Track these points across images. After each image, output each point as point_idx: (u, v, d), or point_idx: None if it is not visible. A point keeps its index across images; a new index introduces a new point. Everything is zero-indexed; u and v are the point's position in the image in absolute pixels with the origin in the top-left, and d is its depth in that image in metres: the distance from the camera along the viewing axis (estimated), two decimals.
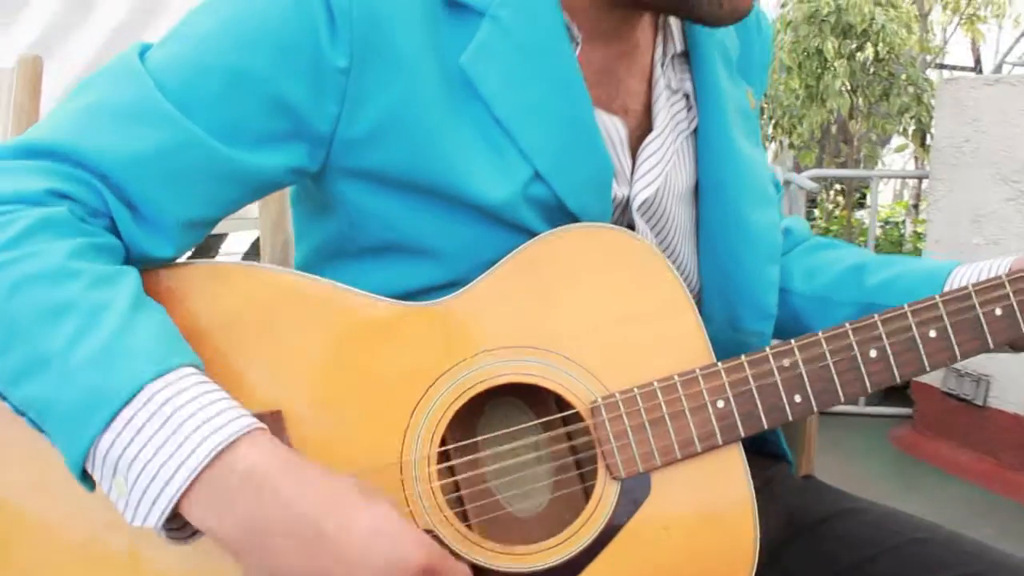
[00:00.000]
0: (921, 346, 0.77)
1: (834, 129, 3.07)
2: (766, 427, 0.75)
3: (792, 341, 0.76)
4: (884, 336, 0.76)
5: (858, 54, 2.89)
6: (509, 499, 0.78)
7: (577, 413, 0.74)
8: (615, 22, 0.82)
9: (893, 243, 3.37)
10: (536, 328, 0.75)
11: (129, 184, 0.69)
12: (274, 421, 0.71)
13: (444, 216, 0.76)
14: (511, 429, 0.76)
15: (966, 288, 0.78)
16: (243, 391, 0.69)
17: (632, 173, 0.84)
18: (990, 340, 0.79)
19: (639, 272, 0.76)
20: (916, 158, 3.48)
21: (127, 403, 0.59)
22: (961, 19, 3.45)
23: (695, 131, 0.88)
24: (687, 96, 0.88)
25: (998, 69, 5.57)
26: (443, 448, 0.73)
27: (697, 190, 0.89)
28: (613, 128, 0.81)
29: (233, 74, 0.70)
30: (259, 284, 0.75)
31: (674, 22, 0.88)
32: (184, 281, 0.73)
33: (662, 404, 0.73)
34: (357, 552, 0.58)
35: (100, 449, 0.60)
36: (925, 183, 2.82)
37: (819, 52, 2.77)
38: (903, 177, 3.89)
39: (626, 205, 0.83)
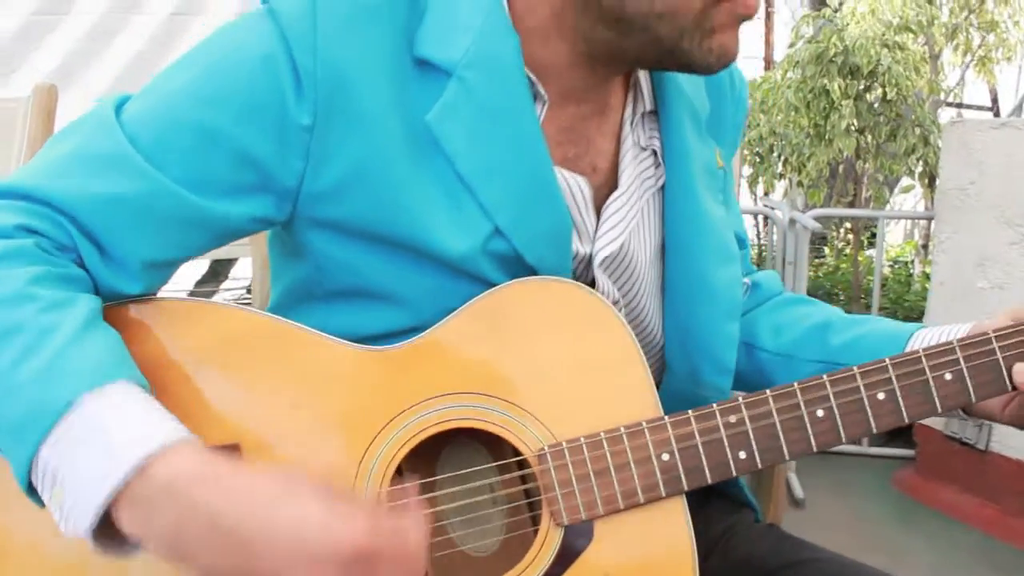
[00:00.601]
0: (868, 408, 0.78)
1: (841, 169, 3.08)
2: (710, 481, 0.76)
3: (740, 398, 0.77)
4: (832, 397, 0.78)
5: (866, 95, 2.90)
6: (462, 538, 0.80)
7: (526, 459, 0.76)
8: (586, 82, 0.84)
9: (901, 283, 3.36)
10: (489, 375, 0.77)
11: (96, 225, 0.72)
12: (231, 455, 0.74)
13: (407, 266, 0.79)
14: (465, 471, 0.79)
15: (917, 352, 0.80)
16: (203, 424, 0.73)
17: (596, 230, 0.86)
18: (938, 404, 0.79)
19: (592, 325, 0.78)
20: (925, 199, 3.48)
21: (64, 415, 0.62)
22: (973, 60, 3.46)
23: (663, 188, 0.90)
24: (655, 153, 0.90)
25: (1018, 108, 5.57)
26: (399, 487, 0.75)
27: (664, 247, 0.91)
28: (576, 186, 0.84)
29: (202, 130, 0.74)
30: (223, 322, 0.78)
31: (644, 81, 0.90)
32: (151, 316, 0.77)
33: (607, 455, 0.75)
34: (284, 548, 0.58)
35: (40, 461, 0.63)
36: (933, 224, 2.81)
37: (825, 92, 2.79)
38: (909, 218, 3.89)
39: (589, 261, 0.85)
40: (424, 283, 0.79)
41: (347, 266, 0.80)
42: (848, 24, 3.08)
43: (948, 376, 0.80)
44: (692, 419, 0.76)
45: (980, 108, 5.47)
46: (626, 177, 0.87)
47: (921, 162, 2.93)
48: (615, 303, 0.87)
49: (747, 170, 3.30)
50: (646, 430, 0.76)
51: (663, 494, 0.75)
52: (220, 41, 0.78)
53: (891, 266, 3.73)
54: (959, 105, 5.82)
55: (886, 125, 2.92)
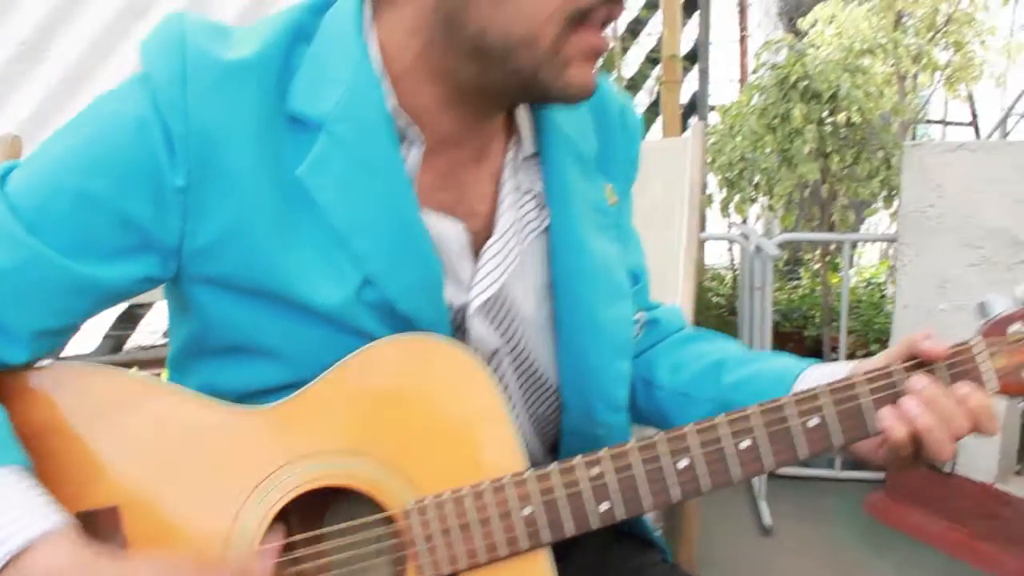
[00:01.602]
0: (732, 457, 0.79)
1: (807, 193, 3.10)
2: (573, 534, 0.77)
3: (604, 450, 0.79)
4: (696, 447, 0.79)
5: (829, 119, 2.93)
6: None
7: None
8: (461, 125, 0.86)
9: (873, 304, 3.37)
10: (359, 433, 0.80)
11: None
12: (110, 516, 0.77)
13: (287, 321, 0.81)
14: (339, 526, 0.80)
15: (780, 400, 0.80)
16: (84, 487, 0.77)
17: (473, 276, 0.87)
18: (804, 451, 0.80)
19: (459, 380, 0.80)
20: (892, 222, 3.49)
21: None
22: (941, 80, 3.48)
23: (548, 230, 0.92)
24: (538, 197, 0.92)
25: (1001, 124, 5.59)
26: (267, 546, 0.77)
27: (552, 287, 0.93)
28: (451, 233, 0.86)
29: (82, 197, 0.77)
30: (104, 385, 0.81)
31: (525, 125, 0.92)
32: (30, 382, 0.80)
33: (471, 509, 0.77)
34: None
35: None
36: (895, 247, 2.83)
37: (787, 118, 2.81)
38: (872, 240, 3.90)
39: (467, 307, 0.87)
40: (304, 338, 0.81)
41: (230, 323, 0.83)
42: (810, 49, 3.10)
43: (813, 422, 0.80)
44: (555, 472, 0.78)
45: (963, 124, 5.51)
46: (503, 222, 0.89)
47: (883, 185, 2.94)
48: (496, 350, 0.89)
49: (720, 195, 3.32)
50: (509, 485, 0.77)
51: (525, 547, 0.77)
52: (99, 108, 0.82)
53: (865, 287, 3.74)
54: (943, 123, 5.86)
55: (851, 149, 2.94)
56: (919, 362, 0.82)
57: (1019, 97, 5.00)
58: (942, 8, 3.35)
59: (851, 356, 3.16)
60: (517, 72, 0.79)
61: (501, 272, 0.87)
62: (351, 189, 0.80)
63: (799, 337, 3.49)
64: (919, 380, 0.80)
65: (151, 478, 0.78)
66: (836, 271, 3.31)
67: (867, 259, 4.26)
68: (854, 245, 3.73)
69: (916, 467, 0.84)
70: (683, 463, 0.78)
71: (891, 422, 0.80)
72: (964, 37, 3.36)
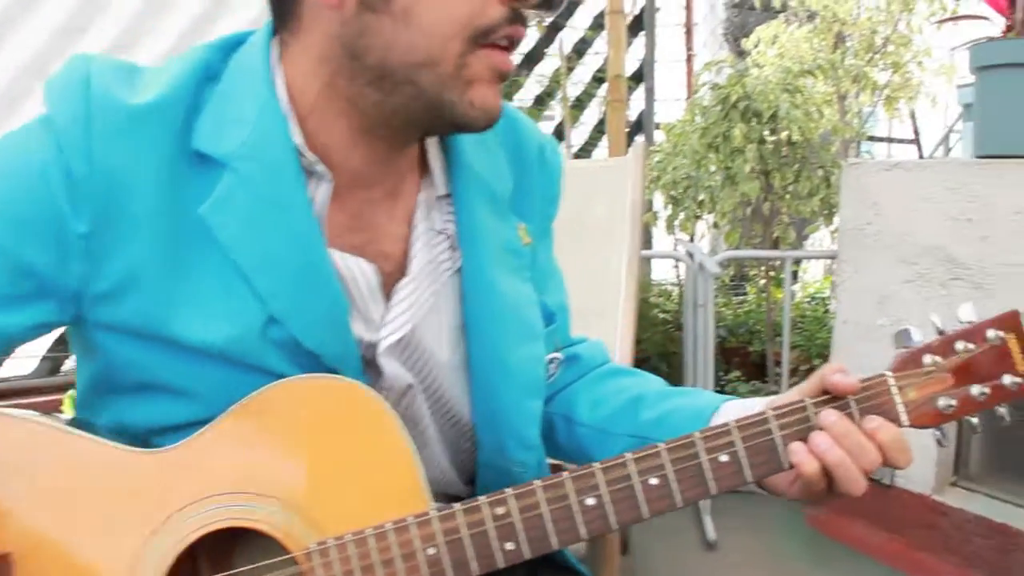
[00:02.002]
0: (640, 494, 0.79)
1: (749, 211, 3.14)
2: (478, 573, 0.77)
3: (509, 489, 0.78)
4: (603, 485, 0.78)
5: (770, 138, 2.97)
6: None
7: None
8: (371, 162, 0.86)
9: (817, 319, 3.42)
10: (261, 474, 0.78)
11: None
12: (2, 563, 0.75)
13: (192, 360, 0.80)
14: (239, 570, 0.79)
15: (691, 436, 0.81)
16: None
17: (384, 316, 0.87)
18: (714, 487, 0.80)
19: (363, 421, 0.80)
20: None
21: None
22: (881, 100, 3.55)
23: (460, 270, 0.92)
24: (451, 237, 0.92)
25: (944, 141, 5.71)
26: None
27: (465, 327, 0.92)
28: (360, 273, 0.85)
29: None
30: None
31: (437, 165, 0.92)
32: None
33: (374, 551, 0.76)
34: None
35: None
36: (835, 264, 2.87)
37: (728, 137, 2.85)
38: (813, 257, 3.96)
39: (377, 345, 0.87)
40: (209, 376, 0.80)
41: (135, 363, 0.82)
42: (753, 69, 3.15)
43: (724, 458, 0.80)
44: (459, 512, 0.77)
45: (906, 142, 5.61)
46: (416, 263, 0.89)
47: (825, 203, 2.99)
48: (408, 387, 0.89)
49: (666, 213, 3.35)
50: (412, 525, 0.77)
51: None
52: (1, 151, 0.80)
53: (810, 302, 3.79)
54: (887, 140, 5.97)
55: (791, 167, 2.98)
56: (831, 396, 0.83)
57: (959, 116, 5.12)
58: (880, 30, 3.42)
59: (794, 371, 3.21)
60: (421, 95, 0.80)
61: (413, 313, 0.87)
62: (255, 227, 0.79)
63: (744, 352, 3.52)
64: (829, 415, 0.81)
65: (46, 525, 0.76)
66: (781, 287, 3.36)
67: (812, 274, 4.32)
68: (797, 262, 3.79)
69: (831, 500, 0.84)
70: (590, 501, 0.78)
71: (801, 456, 0.80)
72: (901, 58, 3.43)
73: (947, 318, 0.89)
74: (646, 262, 3.79)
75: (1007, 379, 0.86)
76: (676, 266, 3.71)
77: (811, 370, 3.21)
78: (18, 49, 2.72)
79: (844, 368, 0.84)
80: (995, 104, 2.33)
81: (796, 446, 0.81)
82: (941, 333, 0.86)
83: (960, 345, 0.85)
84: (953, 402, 0.84)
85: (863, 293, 2.68)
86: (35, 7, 2.73)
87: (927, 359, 0.85)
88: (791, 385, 3.24)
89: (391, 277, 0.88)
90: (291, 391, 0.79)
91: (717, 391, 3.14)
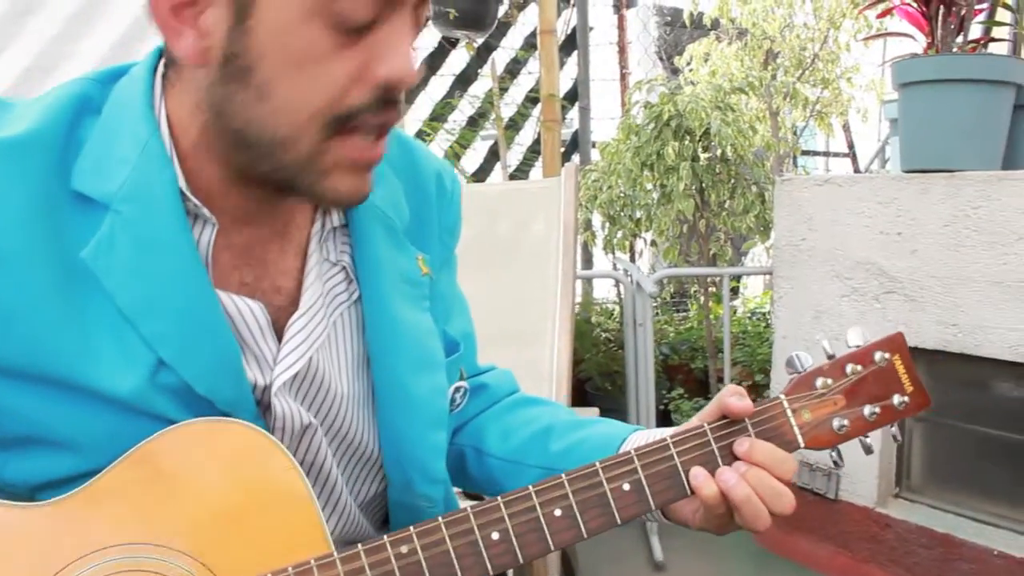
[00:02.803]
0: (546, 526, 0.77)
1: (685, 228, 3.14)
2: None
3: (412, 527, 0.75)
4: (507, 518, 0.76)
5: (703, 155, 2.98)
6: None
7: None
8: (250, 204, 0.82)
9: (758, 335, 3.43)
10: (154, 524, 0.73)
11: None
12: None
13: (77, 408, 0.75)
14: None
15: (593, 465, 0.79)
16: None
17: (277, 354, 0.83)
18: (618, 516, 0.79)
19: (257, 464, 0.75)
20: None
21: None
22: (812, 116, 3.59)
23: (359, 301, 0.89)
24: (346, 268, 0.89)
25: (880, 153, 5.82)
26: None
27: (368, 360, 0.89)
28: (250, 313, 0.81)
29: None
30: None
31: None
32: None
33: None
34: None
35: None
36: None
37: (660, 156, 2.85)
38: (749, 273, 3.99)
39: (271, 386, 0.82)
40: (97, 425, 0.75)
41: (13, 412, 0.75)
42: (687, 87, 3.16)
43: (626, 486, 0.80)
44: (362, 553, 0.73)
45: (842, 156, 5.72)
46: (308, 296, 0.85)
47: (760, 219, 3.00)
48: (307, 427, 0.84)
49: (603, 232, 3.34)
50: (314, 568, 0.72)
51: None
52: None
53: (751, 317, 3.81)
54: (825, 154, 6.07)
55: (726, 184, 3.00)
56: (729, 421, 0.84)
57: (892, 129, 5.24)
58: (809, 47, 3.47)
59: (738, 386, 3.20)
60: (283, 169, 0.75)
61: (307, 348, 0.83)
62: (139, 271, 0.75)
63: (687, 369, 3.52)
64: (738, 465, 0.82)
65: None
66: (721, 303, 3.36)
67: (752, 290, 4.35)
68: (736, 278, 3.80)
69: (733, 529, 0.85)
70: (495, 535, 0.75)
71: (701, 480, 0.81)
72: (831, 75, 3.48)
73: (876, 333, 0.93)
74: (587, 282, 3.78)
75: (896, 399, 0.90)
76: (616, 285, 3.70)
77: (753, 386, 3.22)
78: None
79: (741, 391, 0.85)
80: (918, 119, 2.36)
81: (696, 471, 0.82)
82: (831, 357, 0.89)
83: (850, 368, 0.89)
84: (846, 422, 0.87)
85: (800, 308, 2.69)
86: None
87: (819, 381, 0.88)
88: None
89: (284, 312, 0.84)
90: (180, 437, 0.75)
91: (660, 409, 3.15)
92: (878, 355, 0.90)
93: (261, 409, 0.82)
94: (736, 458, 0.83)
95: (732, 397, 0.83)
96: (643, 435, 0.94)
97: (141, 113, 0.78)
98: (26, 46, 2.84)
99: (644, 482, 0.80)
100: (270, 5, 0.69)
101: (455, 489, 1.03)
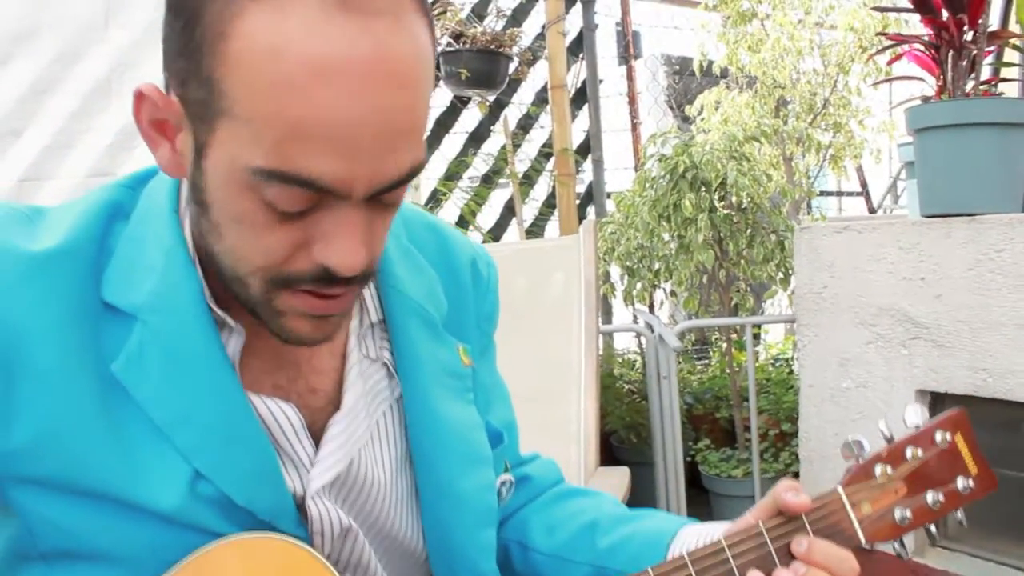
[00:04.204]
0: None
1: (705, 279, 3.13)
2: None
3: None
4: None
5: (719, 205, 2.98)
6: None
7: None
8: None
9: (782, 382, 3.40)
10: None
11: None
12: None
13: (117, 521, 0.74)
14: None
15: (647, 572, 0.77)
16: None
17: (315, 457, 0.82)
18: None
19: None
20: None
21: None
22: (826, 160, 3.60)
23: (400, 398, 0.88)
24: (387, 365, 0.88)
25: (892, 188, 5.82)
26: None
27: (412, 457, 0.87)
28: (283, 415, 0.80)
29: None
30: None
31: (369, 292, 0.88)
32: None
33: None
34: None
35: None
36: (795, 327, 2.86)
37: (677, 207, 2.85)
38: (772, 322, 3.97)
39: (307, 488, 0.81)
40: (139, 538, 0.74)
41: (57, 526, 0.75)
42: (699, 135, 3.17)
43: None
44: None
45: (855, 195, 5.72)
46: (351, 395, 0.84)
47: (780, 267, 2.99)
48: (348, 531, 0.83)
49: (622, 284, 3.34)
50: None
51: None
52: None
53: (774, 363, 3.78)
54: (837, 194, 6.08)
55: (744, 233, 2.99)
56: (785, 518, 0.81)
57: (902, 167, 5.25)
58: (819, 92, 3.48)
59: (764, 436, 3.17)
60: (248, 301, 0.75)
61: (347, 451, 0.82)
62: (169, 383, 0.74)
63: (712, 419, 3.49)
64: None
65: None
66: (743, 350, 3.34)
67: (773, 335, 4.32)
68: (758, 326, 3.78)
69: None
70: None
71: None
72: (842, 119, 3.49)
73: (904, 379, 0.89)
74: (607, 335, 3.77)
75: (960, 482, 0.85)
76: (637, 336, 3.68)
77: (781, 434, 3.18)
78: None
79: (796, 485, 0.82)
80: (936, 164, 2.35)
81: (753, 575, 0.79)
82: (890, 440, 0.85)
83: (910, 451, 0.84)
84: (908, 514, 0.83)
85: (825, 356, 2.66)
86: None
87: (878, 469, 0.83)
88: (762, 451, 3.19)
89: (322, 413, 0.83)
90: (223, 554, 0.74)
91: (688, 460, 3.11)
92: (939, 436, 0.86)
93: (303, 516, 0.80)
94: (794, 558, 0.80)
95: (788, 493, 0.81)
96: (693, 531, 0.91)
97: (166, 219, 0.78)
98: (45, 123, 2.89)
99: None
100: (216, 164, 0.69)
101: None
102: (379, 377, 0.88)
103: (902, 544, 0.85)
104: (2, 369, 0.71)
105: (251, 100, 0.64)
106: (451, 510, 0.87)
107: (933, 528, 0.85)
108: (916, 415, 0.87)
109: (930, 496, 0.84)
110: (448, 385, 0.90)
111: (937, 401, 2.35)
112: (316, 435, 0.82)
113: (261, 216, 0.68)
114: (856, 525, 0.82)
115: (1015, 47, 2.63)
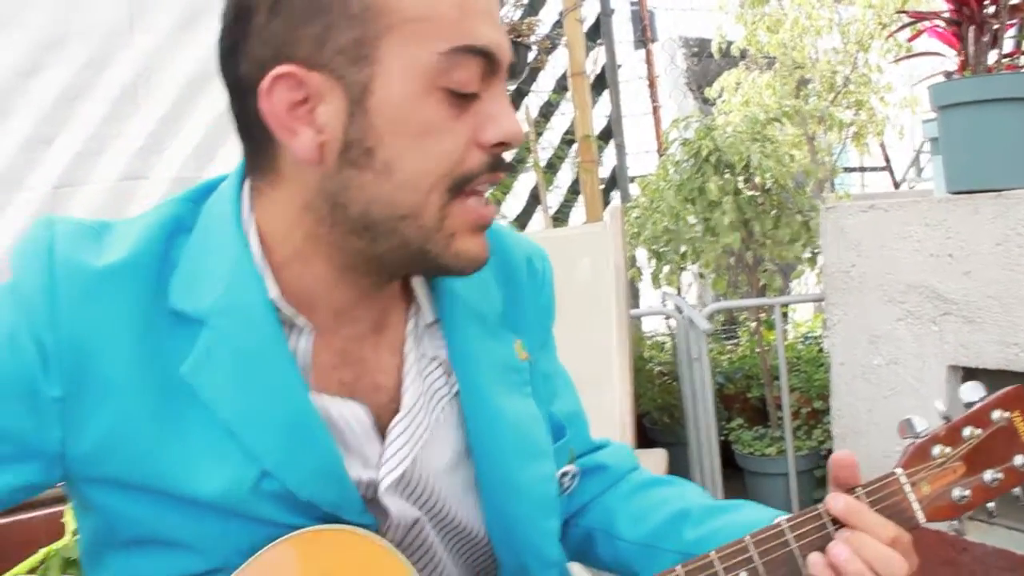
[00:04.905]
0: None
1: (732, 260, 3.15)
2: None
3: None
4: None
5: (743, 187, 2.99)
6: None
7: None
8: (353, 299, 0.86)
9: (812, 359, 3.42)
10: None
11: None
12: None
13: (185, 516, 0.79)
14: None
15: (708, 555, 0.81)
16: None
17: (382, 454, 0.86)
18: None
19: (370, 569, 0.79)
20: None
21: None
22: (849, 138, 3.60)
23: (458, 394, 0.91)
24: (444, 363, 0.91)
25: (915, 161, 5.79)
26: None
27: (470, 449, 0.91)
28: (352, 416, 0.85)
29: None
30: None
31: (422, 293, 0.92)
32: None
33: None
34: None
35: None
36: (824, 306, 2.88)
37: (702, 191, 2.87)
38: (800, 302, 3.98)
39: (377, 485, 0.85)
40: (209, 528, 0.79)
41: (130, 519, 0.80)
42: (719, 117, 3.18)
43: (743, 575, 0.80)
44: None
45: (878, 170, 5.70)
46: (410, 396, 0.88)
47: (807, 246, 3.01)
48: (415, 521, 0.88)
49: (650, 267, 3.36)
50: None
51: None
52: None
53: (803, 342, 3.79)
54: (860, 170, 6.06)
55: (769, 214, 3.01)
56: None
57: (930, 144, 5.23)
58: (840, 70, 3.48)
59: (796, 413, 3.19)
60: (406, 244, 0.80)
61: (410, 449, 0.86)
62: (237, 385, 0.79)
63: (744, 398, 3.51)
64: (842, 534, 0.81)
65: None
66: (772, 329, 3.37)
67: (801, 314, 4.33)
68: (786, 305, 3.80)
69: None
70: None
71: (819, 570, 0.80)
72: (864, 96, 3.49)
73: (935, 355, 0.88)
74: (635, 318, 3.80)
75: (1018, 459, 0.85)
76: (667, 318, 3.71)
77: (813, 412, 3.20)
78: None
79: (850, 463, 0.84)
80: (961, 140, 2.36)
81: (814, 558, 0.81)
82: (947, 419, 0.86)
83: (967, 431, 0.85)
84: (967, 492, 0.84)
85: (856, 334, 2.68)
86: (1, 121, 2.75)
87: (936, 450, 0.84)
88: (795, 429, 3.20)
89: (385, 410, 0.88)
90: (297, 544, 0.79)
91: (721, 440, 3.14)
92: (996, 414, 0.85)
93: (368, 505, 0.85)
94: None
95: (842, 471, 0.83)
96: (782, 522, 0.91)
97: (231, 229, 0.82)
98: (75, 130, 2.94)
99: (761, 571, 0.80)
100: (389, 85, 0.76)
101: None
102: (437, 375, 0.91)
103: (960, 522, 0.86)
104: (74, 380, 0.76)
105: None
106: (511, 501, 0.91)
107: (991, 505, 0.86)
108: (973, 391, 0.87)
109: (988, 475, 0.84)
110: (504, 380, 0.94)
111: (969, 376, 2.36)
112: (380, 431, 0.87)
113: (443, 112, 0.77)
114: (916, 505, 0.83)
115: None
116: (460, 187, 0.79)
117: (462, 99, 0.78)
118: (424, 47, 0.75)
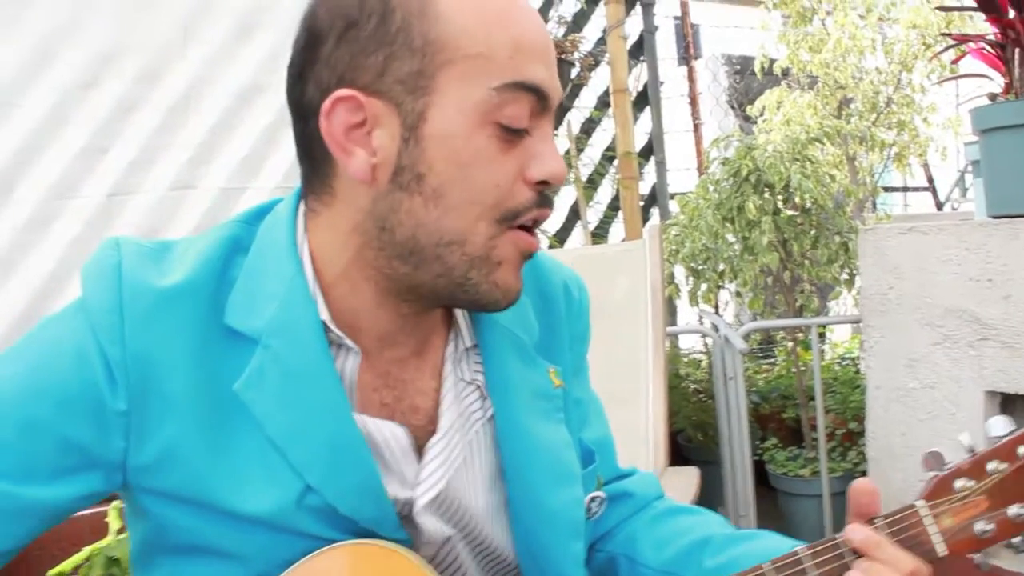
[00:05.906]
0: None
1: (770, 280, 3.15)
2: None
3: None
4: None
5: (782, 207, 3.00)
6: None
7: None
8: (396, 322, 0.89)
9: (848, 381, 3.40)
10: None
11: None
12: None
13: (235, 526, 0.83)
14: None
15: None
16: None
17: (419, 473, 0.89)
18: None
19: None
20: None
21: None
22: (890, 159, 3.58)
23: (492, 417, 0.95)
24: (481, 387, 0.95)
25: (960, 181, 5.73)
26: None
27: (503, 472, 0.94)
28: (392, 437, 0.88)
29: (23, 422, 0.80)
30: None
31: (462, 318, 0.95)
32: None
33: None
34: None
35: None
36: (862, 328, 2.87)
37: (741, 210, 2.88)
38: (838, 323, 3.96)
39: (413, 503, 0.89)
40: (251, 541, 0.84)
41: (180, 527, 0.85)
42: (760, 135, 3.19)
43: None
44: None
45: (921, 190, 5.65)
46: (447, 419, 0.91)
47: (844, 269, 3.00)
48: (447, 539, 0.91)
49: (688, 285, 3.37)
50: None
51: None
52: (41, 335, 0.85)
53: (840, 363, 3.77)
54: (903, 190, 6.01)
55: (808, 235, 3.01)
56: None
57: (973, 168, 5.18)
58: (883, 91, 3.47)
59: (831, 435, 3.18)
60: (448, 272, 0.83)
61: (446, 470, 0.90)
62: (287, 402, 0.83)
63: (779, 419, 3.50)
64: (860, 564, 0.83)
65: None
66: (808, 349, 3.36)
67: (839, 335, 4.30)
68: (823, 326, 3.78)
69: None
70: None
71: None
72: (906, 117, 3.47)
73: (973, 380, 0.87)
74: (674, 338, 3.81)
75: None
76: (703, 336, 3.71)
77: (848, 433, 3.19)
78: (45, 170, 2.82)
79: (870, 491, 0.85)
80: (1002, 164, 2.35)
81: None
82: (972, 452, 0.86)
83: (992, 465, 0.84)
84: (991, 526, 0.83)
85: (892, 357, 2.67)
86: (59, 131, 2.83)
87: (959, 483, 0.84)
88: (829, 451, 3.17)
89: (423, 431, 0.91)
90: (332, 559, 0.83)
91: (755, 460, 3.12)
92: (1022, 449, 0.84)
93: (403, 522, 0.88)
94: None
95: (862, 497, 0.84)
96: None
97: (286, 251, 0.86)
98: (129, 140, 3.02)
99: None
100: (443, 116, 0.80)
101: None
102: (473, 399, 0.95)
103: (983, 555, 0.86)
104: (138, 395, 0.81)
105: (475, 36, 0.79)
106: (540, 524, 0.93)
107: (1016, 540, 0.85)
108: (1001, 426, 0.86)
109: (1012, 510, 0.84)
110: (538, 406, 0.96)
111: (1008, 402, 2.35)
112: (417, 451, 0.90)
113: (492, 147, 0.81)
114: (937, 538, 0.83)
115: None
116: (508, 220, 0.82)
117: (512, 134, 0.81)
118: (479, 82, 0.79)
